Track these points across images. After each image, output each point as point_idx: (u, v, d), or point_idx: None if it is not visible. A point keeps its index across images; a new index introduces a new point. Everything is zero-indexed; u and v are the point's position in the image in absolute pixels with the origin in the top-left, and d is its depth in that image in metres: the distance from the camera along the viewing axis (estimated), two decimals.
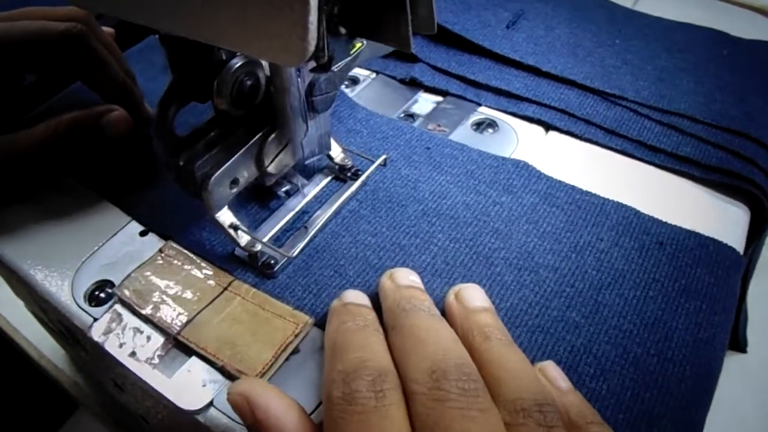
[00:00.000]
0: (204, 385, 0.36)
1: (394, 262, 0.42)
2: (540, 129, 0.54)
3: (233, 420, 0.35)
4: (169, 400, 0.36)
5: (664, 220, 0.44)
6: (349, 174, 0.48)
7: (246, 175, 0.42)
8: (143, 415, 0.50)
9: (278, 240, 0.44)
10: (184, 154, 0.40)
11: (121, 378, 0.40)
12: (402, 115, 0.56)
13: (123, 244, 0.45)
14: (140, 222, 0.46)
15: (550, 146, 0.52)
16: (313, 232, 0.43)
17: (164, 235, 0.45)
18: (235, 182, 0.41)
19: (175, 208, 0.46)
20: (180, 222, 0.45)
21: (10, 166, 0.46)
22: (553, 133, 0.53)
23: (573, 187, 0.47)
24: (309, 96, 0.41)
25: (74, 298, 0.42)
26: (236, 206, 0.43)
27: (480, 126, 0.54)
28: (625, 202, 0.46)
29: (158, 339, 0.39)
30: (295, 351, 0.38)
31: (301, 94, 0.41)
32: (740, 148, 0.49)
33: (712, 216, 0.46)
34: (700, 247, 0.43)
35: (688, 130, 0.51)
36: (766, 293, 0.62)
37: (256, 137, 0.41)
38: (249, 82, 0.40)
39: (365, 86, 0.60)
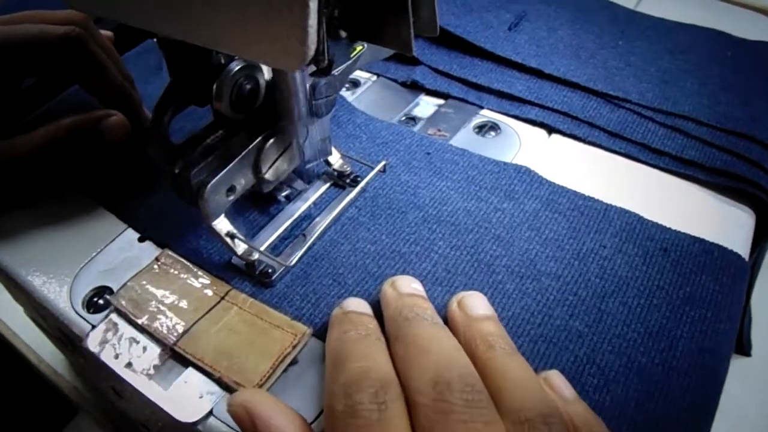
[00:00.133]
0: (201, 397, 0.36)
1: (394, 270, 0.41)
2: (543, 132, 0.53)
3: (233, 429, 0.35)
4: (165, 412, 0.36)
5: (668, 226, 0.44)
6: (348, 180, 0.47)
7: (243, 182, 0.41)
8: (143, 423, 0.49)
9: (276, 248, 0.43)
10: (179, 161, 0.39)
11: (120, 386, 0.39)
12: (403, 118, 0.55)
13: (121, 250, 0.44)
14: (137, 230, 0.46)
15: (553, 149, 0.51)
16: (311, 240, 0.42)
17: (161, 243, 0.44)
18: (231, 190, 0.40)
19: (171, 215, 0.45)
20: (176, 230, 0.44)
21: (9, 171, 0.45)
22: (555, 136, 0.53)
23: (575, 193, 0.46)
24: (310, 100, 0.40)
25: (72, 305, 0.41)
26: (234, 212, 0.43)
27: (482, 129, 0.54)
28: (628, 207, 0.45)
29: (154, 349, 0.38)
30: (294, 362, 0.37)
31: (303, 98, 0.40)
32: (745, 150, 0.49)
33: (717, 219, 0.45)
34: (705, 254, 0.42)
35: (693, 132, 0.51)
36: None
37: (253, 144, 0.41)
38: (248, 86, 0.40)
39: (366, 89, 0.59)
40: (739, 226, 0.45)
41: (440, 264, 0.42)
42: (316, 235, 0.43)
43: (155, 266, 0.42)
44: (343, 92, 0.58)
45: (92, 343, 0.39)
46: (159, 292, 0.40)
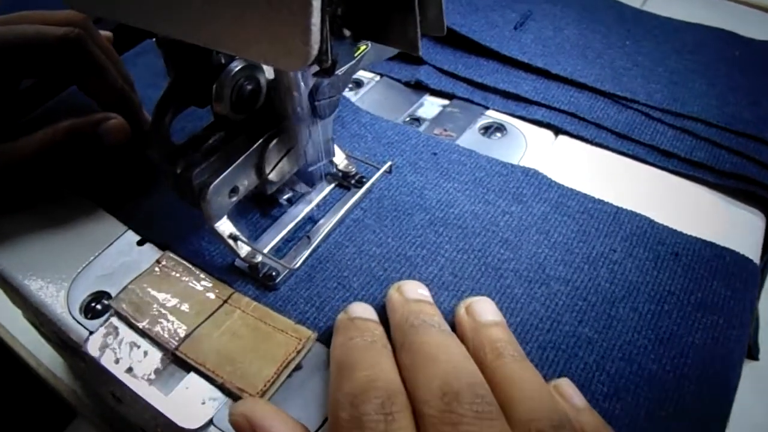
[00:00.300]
0: (203, 403, 0.35)
1: (400, 273, 0.41)
2: (549, 133, 0.52)
3: None
4: (167, 418, 0.35)
5: (679, 230, 0.43)
6: (353, 181, 0.46)
7: (246, 183, 0.40)
8: (143, 427, 0.48)
9: (280, 250, 0.43)
10: (181, 161, 0.38)
11: (120, 391, 0.39)
12: (407, 119, 0.55)
13: (120, 254, 0.43)
14: (137, 232, 0.45)
15: (560, 151, 0.51)
16: (315, 243, 0.41)
17: (162, 245, 0.44)
18: (234, 191, 0.40)
19: (172, 217, 0.44)
20: (178, 231, 0.44)
21: (6, 173, 0.45)
22: (562, 138, 0.52)
23: (585, 196, 0.45)
24: (312, 100, 0.40)
25: (69, 310, 0.40)
26: (236, 215, 0.42)
27: (488, 130, 0.53)
28: (636, 209, 0.44)
29: (156, 354, 0.37)
30: (298, 367, 0.36)
31: (306, 99, 0.39)
32: (755, 153, 0.48)
33: (727, 223, 0.45)
34: (716, 259, 0.41)
35: (702, 134, 0.50)
36: None
37: (257, 144, 0.40)
38: (249, 87, 0.39)
39: (369, 89, 0.58)
40: (750, 229, 0.44)
41: (447, 268, 0.41)
42: (320, 237, 0.42)
43: (156, 269, 0.41)
44: (346, 92, 0.57)
45: (92, 348, 0.38)
46: (160, 296, 0.40)
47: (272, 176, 0.41)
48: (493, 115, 0.54)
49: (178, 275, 0.41)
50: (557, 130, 0.52)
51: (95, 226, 0.46)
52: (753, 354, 0.62)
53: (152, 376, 0.36)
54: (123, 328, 0.39)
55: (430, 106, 0.56)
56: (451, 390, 0.30)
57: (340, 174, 0.46)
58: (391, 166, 0.46)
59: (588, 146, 0.51)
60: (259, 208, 0.45)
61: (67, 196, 0.48)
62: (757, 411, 0.61)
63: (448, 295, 0.39)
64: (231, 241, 0.40)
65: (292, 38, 0.27)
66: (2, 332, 0.69)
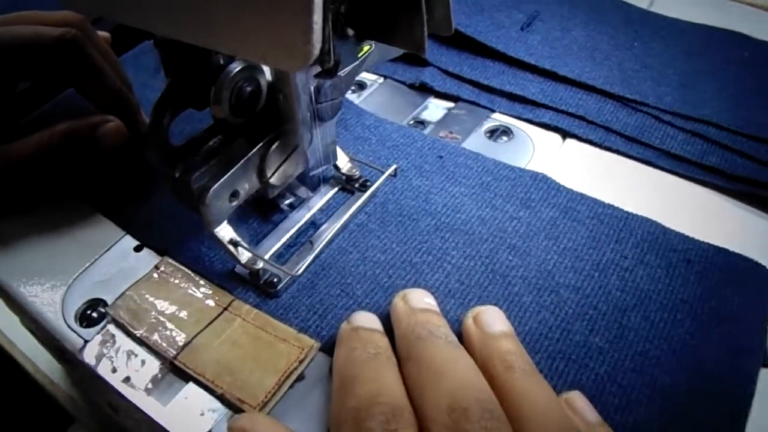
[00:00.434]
0: (202, 414, 0.34)
1: (405, 280, 0.40)
2: (557, 136, 0.51)
3: None
4: (165, 429, 0.34)
5: (691, 236, 0.42)
6: (356, 185, 0.45)
7: (247, 187, 0.39)
8: None
9: (281, 256, 0.42)
10: (180, 164, 0.37)
11: (115, 401, 0.38)
12: (411, 122, 0.54)
13: (116, 261, 0.42)
14: (135, 237, 0.44)
15: (568, 154, 0.50)
16: (318, 248, 0.40)
17: (160, 251, 0.43)
18: (235, 195, 0.39)
19: (171, 221, 0.44)
20: (177, 236, 0.43)
21: (2, 176, 0.44)
22: (570, 141, 0.51)
23: (594, 201, 0.44)
24: (314, 103, 0.39)
25: (64, 318, 0.39)
26: (236, 220, 0.41)
27: (494, 133, 0.52)
28: (646, 214, 0.43)
29: (153, 363, 0.36)
30: (300, 378, 0.35)
31: (307, 101, 0.38)
32: None
33: (740, 228, 0.43)
34: (729, 265, 0.40)
35: (713, 137, 0.49)
36: None
37: (258, 146, 0.39)
38: (249, 89, 0.38)
39: (372, 92, 0.57)
40: (763, 235, 0.43)
41: (453, 275, 0.40)
42: (323, 242, 0.41)
43: (155, 274, 0.41)
44: (349, 95, 0.56)
45: (88, 356, 0.37)
46: (158, 303, 0.39)
47: (274, 180, 0.40)
48: (499, 118, 0.53)
49: (177, 281, 0.40)
50: (565, 134, 0.51)
51: (92, 231, 0.45)
52: (765, 362, 0.60)
53: (150, 386, 0.35)
54: (120, 336, 0.38)
55: (435, 109, 0.55)
56: (459, 406, 0.29)
57: (344, 177, 0.45)
58: (396, 169, 0.45)
59: (596, 150, 0.50)
60: (260, 213, 0.44)
61: (64, 200, 0.47)
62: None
63: (454, 303, 0.38)
64: (231, 247, 0.39)
65: (293, 37, 0.26)
66: (0, 337, 0.68)
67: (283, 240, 0.42)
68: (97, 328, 0.38)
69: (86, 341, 0.38)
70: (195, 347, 0.36)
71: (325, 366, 0.36)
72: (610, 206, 0.44)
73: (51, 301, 0.40)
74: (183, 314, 0.38)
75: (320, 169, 0.43)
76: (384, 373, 0.32)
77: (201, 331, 0.37)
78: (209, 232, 0.39)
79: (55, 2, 0.36)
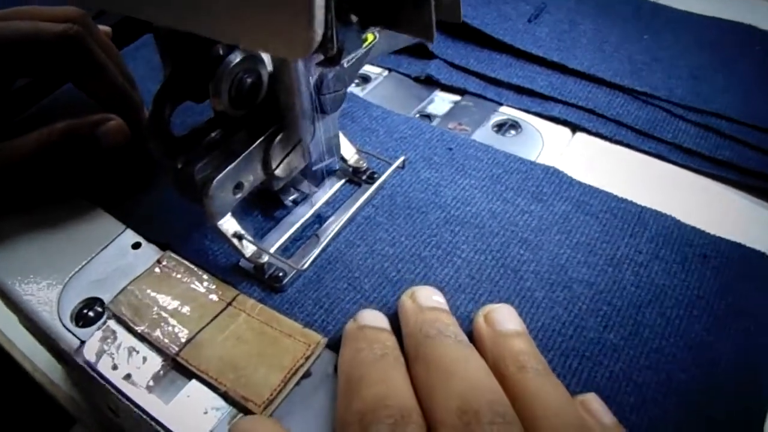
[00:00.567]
0: (205, 412, 0.33)
1: (414, 275, 0.39)
2: (566, 130, 0.50)
3: None
4: (167, 429, 0.33)
5: (707, 231, 0.41)
6: (364, 177, 0.44)
7: (251, 178, 0.38)
8: None
9: (287, 250, 0.41)
10: (182, 156, 0.36)
11: (115, 404, 0.37)
12: (417, 115, 0.52)
13: (114, 258, 0.41)
14: (136, 231, 0.43)
15: (578, 148, 0.49)
16: (325, 242, 0.40)
17: (162, 245, 0.42)
18: (239, 187, 0.38)
19: (174, 214, 0.43)
20: (180, 230, 0.42)
21: (0, 175, 0.43)
22: (580, 135, 0.50)
23: (608, 194, 0.43)
24: (316, 94, 0.38)
25: (60, 318, 0.38)
26: (240, 214, 0.40)
27: (502, 127, 0.51)
28: (659, 209, 0.42)
29: (155, 360, 0.36)
30: (306, 375, 0.34)
31: (309, 93, 0.37)
32: None
33: (754, 224, 0.42)
34: (746, 261, 0.39)
35: (726, 131, 0.48)
36: None
37: (263, 137, 0.38)
38: (249, 80, 0.37)
39: (377, 85, 0.57)
40: None
41: (464, 269, 0.39)
42: (330, 236, 0.40)
43: (156, 269, 0.40)
44: (353, 88, 0.55)
45: (89, 353, 0.36)
46: (160, 298, 0.38)
47: (279, 171, 0.39)
48: (507, 112, 0.52)
49: (179, 276, 0.39)
50: (574, 127, 0.50)
51: (89, 227, 0.44)
52: None
53: (151, 384, 0.35)
54: (121, 332, 0.37)
55: (441, 102, 0.54)
56: (470, 408, 0.28)
57: (351, 169, 0.44)
58: (404, 161, 0.44)
59: (607, 144, 0.49)
60: (263, 209, 0.43)
61: (62, 196, 0.46)
62: None
63: (465, 298, 0.37)
64: (235, 240, 0.38)
65: (294, 23, 0.25)
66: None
67: (289, 233, 0.41)
68: (93, 328, 0.37)
69: (82, 341, 0.37)
70: (198, 343, 0.35)
71: (333, 362, 0.35)
72: (624, 200, 0.43)
73: (47, 300, 0.40)
74: (186, 309, 0.37)
75: (323, 163, 0.42)
76: (391, 374, 0.31)
77: (204, 326, 0.36)
78: (212, 225, 0.38)
79: None
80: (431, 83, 0.56)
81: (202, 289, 0.38)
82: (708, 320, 0.36)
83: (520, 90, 0.54)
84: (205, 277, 0.39)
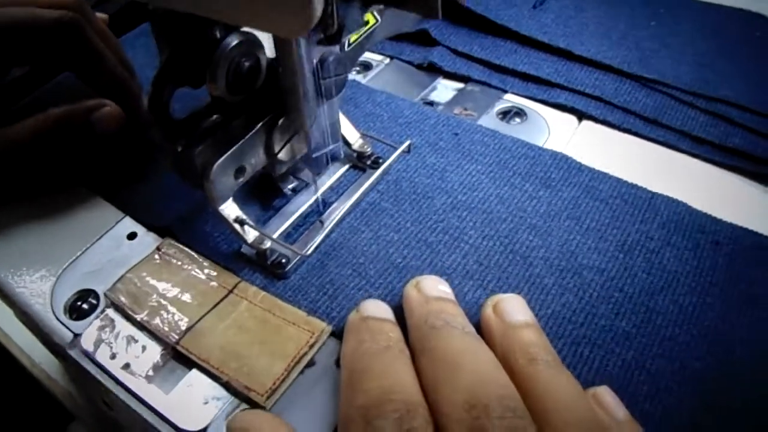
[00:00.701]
0: (206, 403, 0.32)
1: (420, 261, 0.38)
2: (573, 118, 0.50)
3: None
4: (166, 419, 0.32)
5: (719, 218, 0.40)
6: (368, 162, 0.44)
7: (253, 162, 0.38)
8: None
9: (290, 236, 0.40)
10: (182, 138, 0.36)
11: (109, 397, 0.36)
12: (419, 103, 0.51)
13: (109, 249, 0.41)
14: (135, 218, 0.42)
15: (584, 136, 0.48)
16: (329, 228, 0.39)
17: (161, 232, 0.41)
18: (241, 171, 0.37)
19: (174, 200, 0.42)
20: (179, 216, 0.41)
21: None
22: (587, 123, 0.49)
23: (618, 180, 0.42)
24: (317, 78, 0.36)
25: (53, 311, 0.38)
26: (239, 203, 0.39)
27: (506, 115, 0.50)
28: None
29: (155, 349, 0.35)
30: (310, 363, 0.34)
31: (311, 77, 0.36)
32: None
33: (764, 212, 0.41)
34: (759, 248, 0.38)
35: (736, 119, 0.47)
36: None
37: (265, 120, 0.37)
38: (247, 64, 0.36)
39: (378, 72, 0.56)
40: None
41: (471, 255, 0.38)
42: (334, 221, 0.39)
43: (156, 256, 0.39)
44: (354, 76, 0.54)
45: (86, 342, 0.35)
46: (160, 285, 0.37)
47: (282, 155, 0.38)
48: (511, 99, 0.52)
49: (179, 263, 0.38)
50: (581, 115, 0.50)
51: (84, 217, 0.43)
52: None
53: (151, 373, 0.34)
54: (119, 321, 0.36)
55: (444, 90, 0.53)
56: (479, 403, 0.27)
57: (355, 154, 0.44)
58: (410, 145, 0.43)
59: (614, 132, 0.48)
60: (262, 198, 0.42)
61: (58, 185, 0.46)
62: None
63: (473, 284, 0.37)
64: (237, 226, 0.37)
65: None
66: None
67: (292, 219, 0.40)
68: (88, 320, 0.37)
69: (76, 334, 0.36)
70: (199, 332, 0.35)
71: (338, 351, 0.34)
72: (634, 186, 0.42)
73: (40, 292, 0.39)
74: (186, 297, 0.36)
75: (325, 150, 0.41)
76: (396, 366, 0.30)
77: (205, 314, 0.36)
78: (213, 209, 0.37)
79: None
80: (434, 71, 0.55)
81: (202, 276, 0.38)
82: (722, 308, 0.35)
83: (525, 77, 0.53)
84: (205, 263, 0.38)
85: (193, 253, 0.39)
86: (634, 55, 0.53)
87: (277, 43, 0.35)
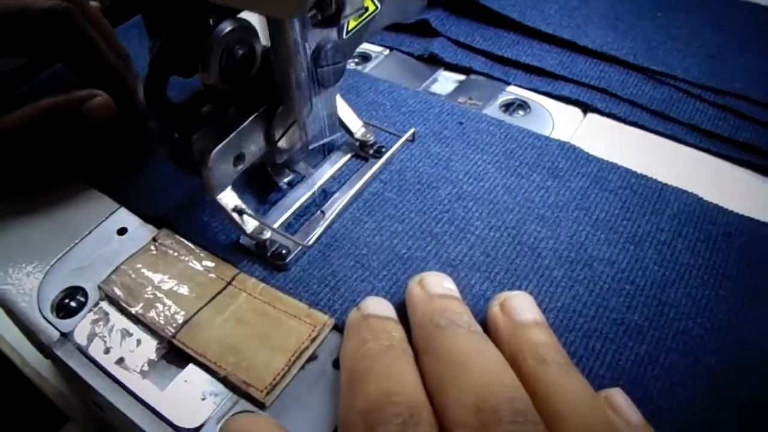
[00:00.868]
0: (203, 399, 0.31)
1: (426, 251, 0.37)
2: (577, 111, 0.49)
3: None
4: (162, 416, 0.31)
5: (731, 209, 0.39)
6: (371, 151, 0.43)
7: (253, 150, 0.37)
8: None
9: (290, 227, 0.39)
10: (180, 124, 0.34)
11: (100, 398, 0.35)
12: (423, 92, 0.51)
13: (98, 245, 0.40)
14: (130, 208, 0.42)
15: (590, 130, 0.47)
16: (330, 218, 0.38)
17: (155, 223, 0.40)
18: (240, 158, 0.36)
19: (170, 190, 0.41)
20: (176, 206, 0.40)
21: None
22: (592, 116, 0.48)
23: (627, 170, 0.42)
24: (314, 66, 0.35)
25: (40, 309, 0.37)
26: (241, 188, 0.38)
27: (509, 107, 0.49)
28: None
29: (150, 343, 0.34)
30: (312, 358, 0.33)
31: (306, 65, 0.35)
32: None
33: None
34: None
35: (746, 112, 0.46)
36: None
37: (264, 107, 0.36)
38: (241, 52, 0.35)
39: (377, 64, 0.55)
40: None
41: (478, 246, 0.37)
42: (336, 212, 0.38)
43: (152, 247, 0.38)
44: (352, 68, 0.53)
45: (79, 336, 0.34)
46: (156, 277, 0.36)
47: (282, 143, 0.37)
48: (514, 91, 0.51)
49: (176, 254, 0.38)
50: (586, 108, 0.49)
51: (73, 211, 0.42)
52: None
53: (146, 368, 0.33)
54: (114, 314, 0.35)
55: (445, 82, 0.52)
56: (488, 406, 0.25)
57: (357, 143, 0.43)
58: (414, 133, 0.42)
59: (620, 125, 0.47)
60: (256, 192, 0.41)
61: (50, 176, 0.45)
62: None
63: (480, 277, 0.36)
64: (236, 215, 0.36)
65: None
66: None
67: (293, 209, 0.39)
68: (76, 318, 0.36)
69: (63, 334, 0.35)
70: (196, 325, 0.34)
71: (340, 344, 0.33)
72: (644, 176, 0.41)
73: (26, 289, 0.38)
74: (183, 289, 0.36)
75: (321, 141, 0.40)
76: (399, 367, 0.29)
77: (202, 307, 0.35)
78: (212, 198, 0.36)
79: None
80: (434, 62, 0.54)
81: (199, 268, 0.37)
82: (735, 301, 0.35)
83: (528, 69, 0.52)
84: (203, 255, 0.38)
85: (190, 244, 0.38)
86: (640, 46, 0.52)
87: (271, 27, 0.34)
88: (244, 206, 0.36)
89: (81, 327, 0.34)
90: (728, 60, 0.51)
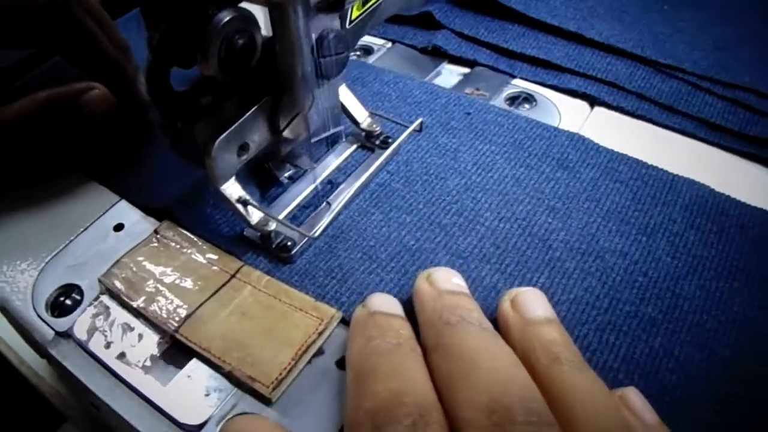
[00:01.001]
0: (207, 394, 0.31)
1: (434, 243, 0.37)
2: (584, 104, 0.48)
3: None
4: (164, 412, 0.30)
5: (743, 201, 0.39)
6: (377, 141, 0.42)
7: (257, 139, 0.36)
8: None
9: (296, 218, 0.39)
10: (182, 113, 0.34)
11: (96, 400, 0.34)
12: (429, 83, 0.50)
13: (94, 241, 0.39)
14: (131, 201, 0.41)
15: (597, 123, 0.46)
16: (337, 209, 0.37)
17: (159, 215, 0.40)
18: (244, 148, 0.35)
19: (172, 181, 0.41)
20: (179, 198, 0.40)
21: None
22: (599, 109, 0.48)
23: (637, 161, 0.41)
24: (317, 56, 0.35)
25: (34, 307, 0.36)
26: (245, 179, 0.37)
27: (515, 101, 0.49)
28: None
29: (152, 338, 0.33)
30: (319, 352, 0.32)
31: (308, 54, 0.34)
32: None
33: None
34: None
35: (755, 106, 0.46)
36: None
37: (266, 98, 0.35)
38: (241, 42, 0.34)
39: (380, 56, 0.54)
40: None
41: (488, 238, 0.37)
42: (342, 203, 0.38)
43: (154, 239, 0.37)
44: (354, 59, 0.53)
45: (79, 331, 0.34)
46: (158, 270, 0.36)
47: (287, 133, 0.36)
48: (520, 84, 0.50)
49: (178, 246, 0.37)
50: (593, 101, 0.48)
51: (69, 207, 0.42)
52: None
53: (148, 364, 0.32)
54: (115, 308, 0.35)
55: (449, 75, 0.52)
56: (501, 406, 0.25)
57: (363, 134, 0.42)
58: (421, 123, 0.42)
59: (628, 119, 0.47)
60: (257, 186, 0.41)
61: (50, 169, 0.44)
62: None
63: (490, 268, 0.35)
64: (240, 206, 0.36)
65: None
66: None
67: (298, 200, 0.39)
68: (71, 317, 0.35)
69: (57, 333, 0.34)
70: (199, 319, 0.33)
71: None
72: (654, 167, 0.41)
73: (20, 287, 0.37)
74: (185, 283, 0.35)
75: (325, 135, 0.40)
76: (407, 366, 0.28)
77: (206, 300, 0.34)
78: (215, 189, 0.35)
79: None
80: (438, 55, 0.54)
81: (203, 261, 0.36)
82: (749, 293, 0.34)
83: (534, 61, 0.52)
84: (206, 247, 0.37)
85: (192, 237, 0.37)
86: (647, 39, 0.52)
87: (274, 16, 0.33)
88: (248, 197, 0.36)
89: (81, 321, 0.34)
90: (736, 52, 0.51)
